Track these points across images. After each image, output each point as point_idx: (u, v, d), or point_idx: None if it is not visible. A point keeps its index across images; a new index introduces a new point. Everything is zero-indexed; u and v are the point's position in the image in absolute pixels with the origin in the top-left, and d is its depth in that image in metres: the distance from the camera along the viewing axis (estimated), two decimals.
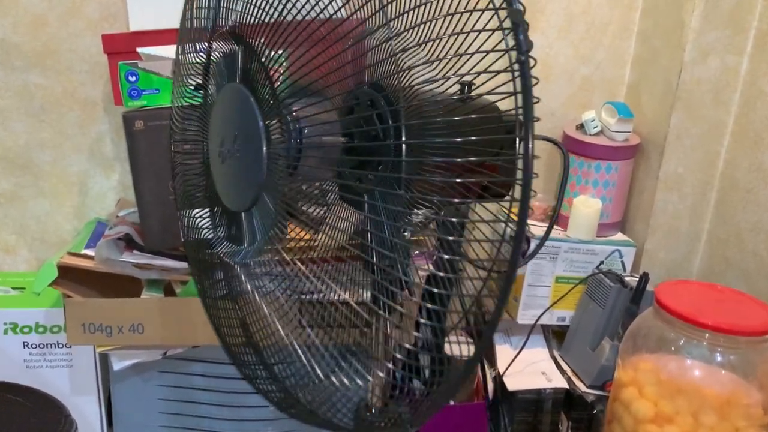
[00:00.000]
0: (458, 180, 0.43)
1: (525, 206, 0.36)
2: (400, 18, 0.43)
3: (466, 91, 0.53)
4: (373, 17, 0.44)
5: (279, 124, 0.50)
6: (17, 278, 0.91)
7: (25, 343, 0.84)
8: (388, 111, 0.50)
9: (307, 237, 0.60)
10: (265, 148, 0.49)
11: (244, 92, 0.51)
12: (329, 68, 0.49)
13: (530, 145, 0.34)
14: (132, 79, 0.76)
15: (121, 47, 0.80)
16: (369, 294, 0.56)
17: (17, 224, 0.95)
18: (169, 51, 0.76)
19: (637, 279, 0.80)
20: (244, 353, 0.63)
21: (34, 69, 0.89)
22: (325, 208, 0.56)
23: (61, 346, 0.84)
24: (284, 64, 0.53)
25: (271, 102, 0.50)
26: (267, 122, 0.49)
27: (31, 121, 0.91)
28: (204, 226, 0.67)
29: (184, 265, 0.76)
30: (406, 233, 0.53)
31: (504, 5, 0.35)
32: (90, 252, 0.78)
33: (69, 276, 0.76)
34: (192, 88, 0.61)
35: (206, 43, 0.59)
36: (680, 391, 0.60)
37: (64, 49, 0.89)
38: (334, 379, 0.60)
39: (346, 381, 0.58)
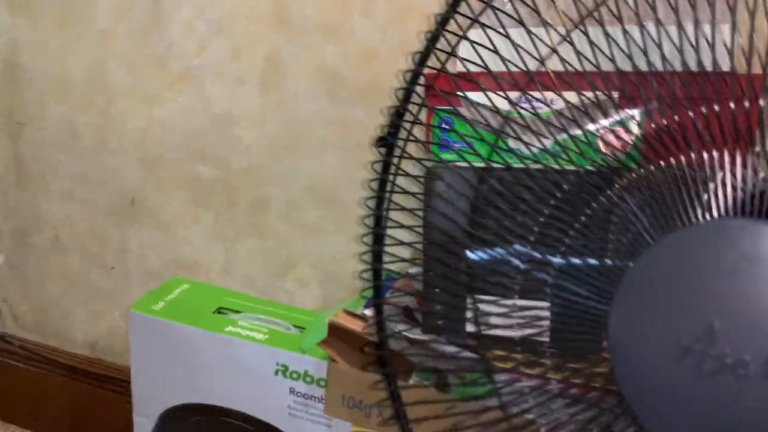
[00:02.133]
0: None
1: None
2: None
3: None
4: None
5: None
6: (301, 315, 0.87)
7: (292, 389, 0.79)
8: None
9: None
10: None
11: None
12: None
13: None
14: (445, 127, 0.66)
15: (443, 88, 0.70)
16: None
17: (315, 258, 0.92)
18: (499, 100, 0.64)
19: None
20: None
21: (357, 103, 0.85)
22: None
23: (324, 402, 0.78)
24: None
25: None
26: None
27: (345, 155, 0.87)
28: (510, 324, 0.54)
29: (470, 356, 0.63)
30: None
31: None
32: (368, 312, 0.69)
33: (340, 335, 0.68)
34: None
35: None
36: None
37: (388, 86, 0.83)
38: None
39: None
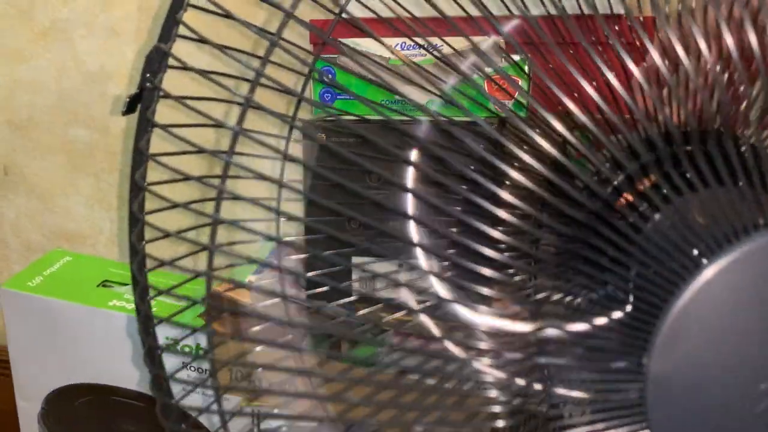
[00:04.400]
0: None
1: None
2: None
3: None
4: None
5: None
6: (194, 286, 0.82)
7: (184, 364, 0.74)
8: None
9: None
10: None
11: None
12: None
13: None
14: (327, 78, 0.61)
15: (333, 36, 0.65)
16: None
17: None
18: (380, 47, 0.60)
19: None
20: None
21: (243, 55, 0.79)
22: None
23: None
24: None
25: None
26: None
27: (234, 111, 0.82)
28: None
29: (357, 319, 0.60)
30: None
31: None
32: (253, 278, 0.65)
33: (222, 305, 0.64)
34: None
35: None
36: None
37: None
38: None
39: None
